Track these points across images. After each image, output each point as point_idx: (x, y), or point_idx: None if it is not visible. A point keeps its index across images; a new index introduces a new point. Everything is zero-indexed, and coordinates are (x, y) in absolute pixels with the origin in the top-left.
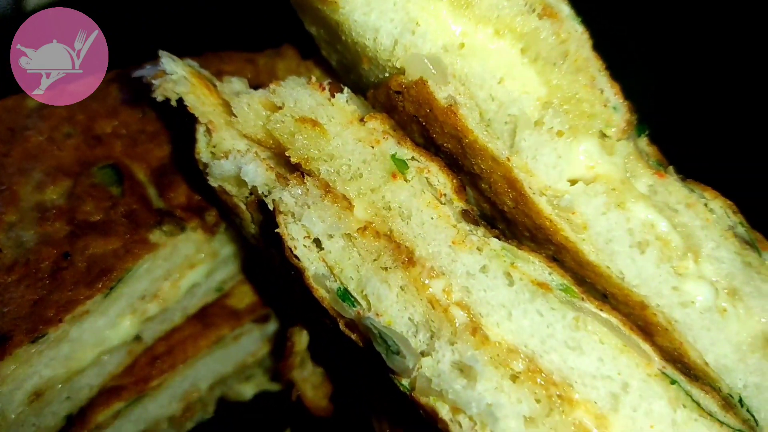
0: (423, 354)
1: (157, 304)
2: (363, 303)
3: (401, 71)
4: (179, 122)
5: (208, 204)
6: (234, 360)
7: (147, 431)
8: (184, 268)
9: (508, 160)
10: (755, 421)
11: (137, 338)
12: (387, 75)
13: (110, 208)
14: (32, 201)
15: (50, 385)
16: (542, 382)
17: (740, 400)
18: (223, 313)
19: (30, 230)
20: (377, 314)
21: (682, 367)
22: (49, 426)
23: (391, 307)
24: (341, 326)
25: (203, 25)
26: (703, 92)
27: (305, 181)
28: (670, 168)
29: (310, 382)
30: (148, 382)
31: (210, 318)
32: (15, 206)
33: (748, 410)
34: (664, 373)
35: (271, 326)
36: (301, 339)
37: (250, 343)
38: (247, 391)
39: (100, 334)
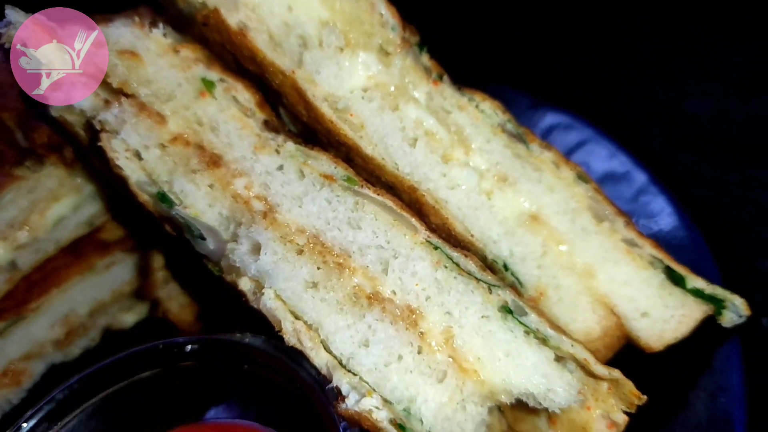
0: (229, 241)
1: (27, 232)
2: (177, 201)
3: (205, 5)
4: None
5: (66, 142)
6: (109, 287)
7: (33, 353)
8: (49, 201)
9: (293, 73)
10: (520, 283)
11: (13, 265)
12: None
13: None
14: None
15: None
16: (324, 254)
17: (505, 266)
18: (95, 244)
19: None
20: (185, 207)
21: (454, 240)
22: None
23: (198, 201)
24: (166, 227)
25: None
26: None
27: (122, 101)
28: (445, 77)
29: (176, 301)
30: (26, 304)
31: (82, 248)
32: None
33: (512, 274)
34: (428, 241)
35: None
36: (159, 258)
37: (123, 271)
38: (129, 319)
39: None
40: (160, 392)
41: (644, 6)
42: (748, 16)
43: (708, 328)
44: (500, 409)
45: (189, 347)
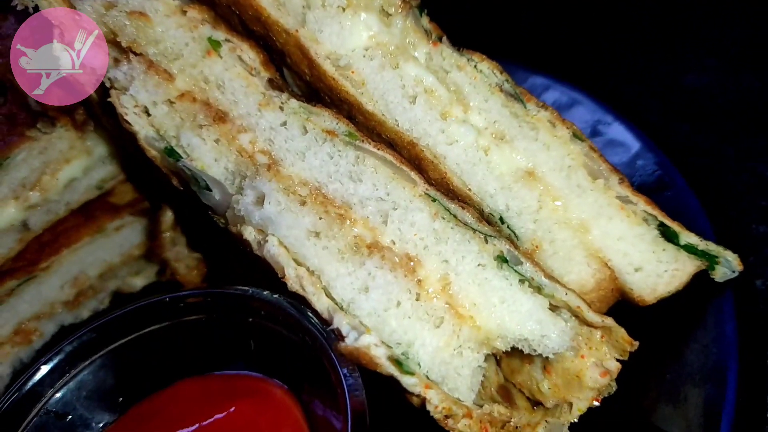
0: (235, 194)
1: (39, 192)
2: (184, 156)
3: None
4: None
5: (77, 105)
6: (119, 250)
7: (43, 313)
8: (60, 162)
9: (297, 32)
10: (516, 236)
11: (25, 225)
12: None
13: None
14: None
15: None
16: (326, 205)
17: (501, 219)
18: (105, 207)
19: None
20: (191, 160)
21: (452, 194)
22: None
23: (204, 155)
24: (174, 182)
25: None
26: None
27: (131, 59)
28: (445, 38)
29: (184, 263)
30: (37, 264)
31: (92, 211)
32: None
33: (509, 227)
34: (427, 194)
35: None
36: (167, 217)
37: (133, 235)
38: (138, 283)
39: None
40: (167, 345)
41: None
42: None
43: (702, 283)
44: (498, 362)
45: (194, 300)
